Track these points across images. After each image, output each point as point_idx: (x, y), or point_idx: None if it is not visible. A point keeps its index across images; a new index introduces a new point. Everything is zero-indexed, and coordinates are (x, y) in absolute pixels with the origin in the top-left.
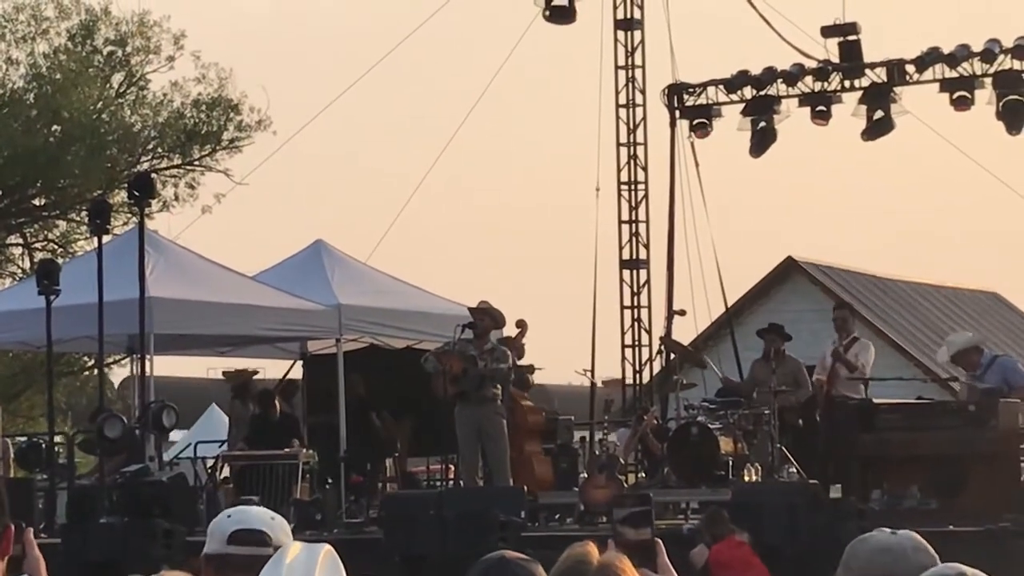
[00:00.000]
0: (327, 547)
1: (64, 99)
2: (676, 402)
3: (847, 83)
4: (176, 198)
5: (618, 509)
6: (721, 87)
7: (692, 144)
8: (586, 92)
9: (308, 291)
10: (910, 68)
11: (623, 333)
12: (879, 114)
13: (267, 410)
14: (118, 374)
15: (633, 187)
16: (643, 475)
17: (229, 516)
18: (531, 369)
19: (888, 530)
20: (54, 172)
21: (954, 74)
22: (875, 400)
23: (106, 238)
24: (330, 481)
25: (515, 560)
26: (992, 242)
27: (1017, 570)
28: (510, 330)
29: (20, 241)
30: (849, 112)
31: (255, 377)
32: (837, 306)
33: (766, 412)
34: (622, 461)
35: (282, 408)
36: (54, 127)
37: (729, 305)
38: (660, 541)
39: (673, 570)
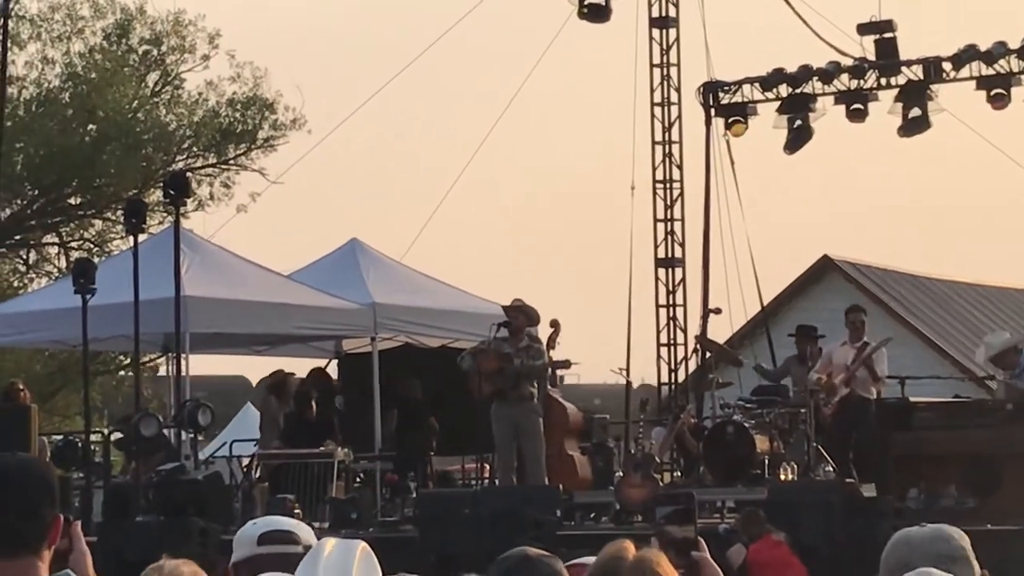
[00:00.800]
0: (363, 543)
1: (100, 98)
2: (712, 401)
3: (883, 81)
4: (211, 197)
5: (661, 507)
6: (756, 85)
7: (727, 142)
8: (621, 90)
9: (343, 290)
10: (946, 66)
11: (658, 332)
12: (915, 112)
13: (303, 410)
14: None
15: (668, 185)
16: (678, 474)
17: (255, 524)
18: (567, 364)
19: (919, 526)
20: (90, 171)
21: (991, 71)
22: (911, 399)
23: (142, 237)
24: (361, 478)
25: (537, 556)
26: None
27: None
28: (544, 329)
29: (56, 240)
30: (885, 110)
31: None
32: (852, 309)
33: (802, 411)
34: (658, 460)
35: (317, 409)
36: (90, 126)
37: (765, 303)
38: (702, 539)
39: (717, 567)
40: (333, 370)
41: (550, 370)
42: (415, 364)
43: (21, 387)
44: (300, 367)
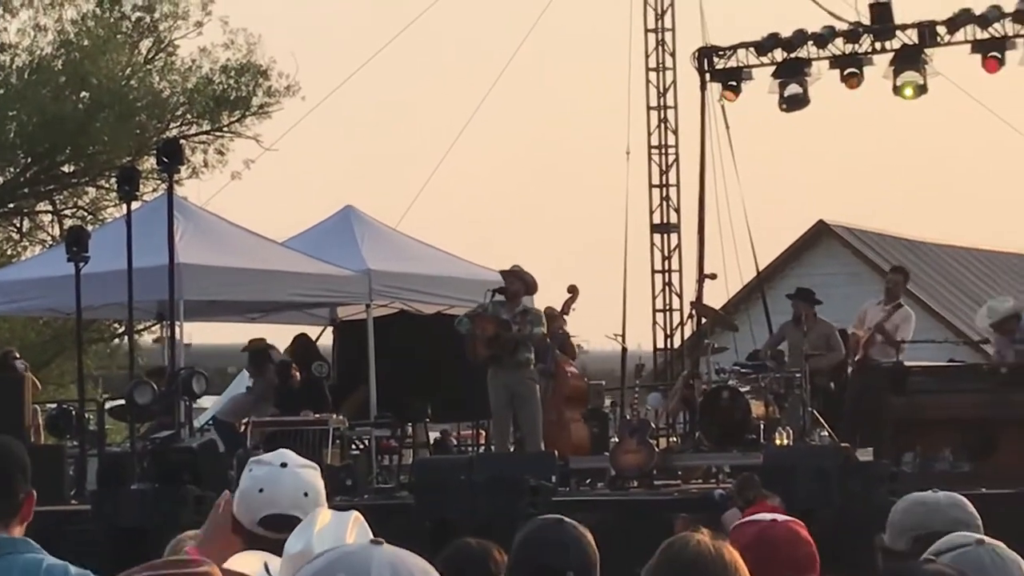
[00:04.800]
0: (356, 514)
1: (92, 65)
2: (707, 366)
3: (878, 45)
4: (205, 164)
5: None
6: (751, 50)
7: (723, 107)
8: (616, 55)
9: (338, 257)
10: (941, 29)
11: (654, 297)
12: (911, 76)
13: (285, 380)
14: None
15: (663, 151)
16: (675, 440)
17: (261, 491)
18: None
19: (931, 491)
20: (83, 139)
21: (985, 35)
22: (907, 363)
23: (135, 205)
24: (359, 446)
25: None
26: None
27: None
28: (560, 296)
29: (50, 208)
30: (880, 74)
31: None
32: (893, 270)
33: (797, 376)
34: (670, 420)
35: (304, 375)
36: (83, 94)
37: (760, 269)
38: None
39: None
40: (328, 337)
41: (567, 339)
42: (410, 331)
43: (17, 355)
44: (294, 335)
